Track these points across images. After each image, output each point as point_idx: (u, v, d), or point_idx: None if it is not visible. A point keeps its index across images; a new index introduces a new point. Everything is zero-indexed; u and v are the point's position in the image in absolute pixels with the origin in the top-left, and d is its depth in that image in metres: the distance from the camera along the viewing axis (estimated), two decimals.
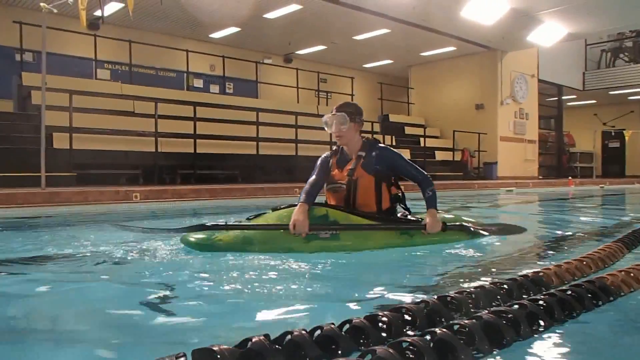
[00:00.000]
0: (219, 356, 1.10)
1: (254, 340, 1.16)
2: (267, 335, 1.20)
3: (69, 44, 11.86)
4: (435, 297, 1.57)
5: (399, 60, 17.54)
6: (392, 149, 3.09)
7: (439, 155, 15.95)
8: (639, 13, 12.89)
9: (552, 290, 1.71)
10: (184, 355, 1.06)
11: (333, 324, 1.33)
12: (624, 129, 21.46)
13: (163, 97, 10.93)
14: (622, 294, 1.80)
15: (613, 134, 22.66)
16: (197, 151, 10.09)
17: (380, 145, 3.04)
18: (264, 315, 1.67)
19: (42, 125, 6.45)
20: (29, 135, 8.80)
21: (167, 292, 1.96)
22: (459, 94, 17.03)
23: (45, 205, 5.54)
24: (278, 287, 2.02)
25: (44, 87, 6.39)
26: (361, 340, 1.32)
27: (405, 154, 14.68)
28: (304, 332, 1.25)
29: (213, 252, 2.67)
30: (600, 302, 1.69)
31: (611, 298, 1.75)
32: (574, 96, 21.43)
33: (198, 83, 14.66)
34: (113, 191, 6.39)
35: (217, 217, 4.47)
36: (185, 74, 13.88)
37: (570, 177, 16.47)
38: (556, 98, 20.19)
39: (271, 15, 12.59)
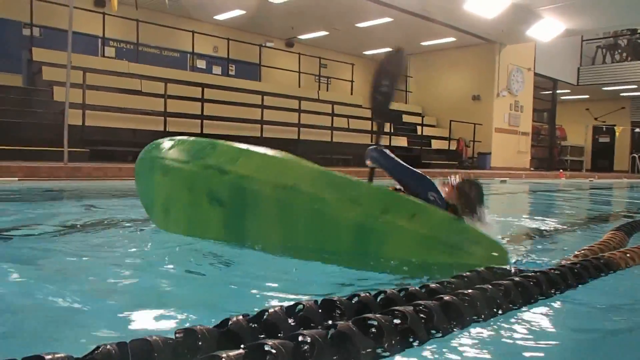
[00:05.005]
0: (200, 335, 1.09)
1: (233, 319, 1.15)
2: (245, 315, 1.18)
3: (75, 20, 11.89)
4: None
5: None
6: None
7: (435, 144, 16.29)
8: (635, 13, 13.27)
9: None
10: None
11: (369, 292, 1.42)
12: (614, 125, 21.93)
13: (168, 76, 11.10)
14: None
15: (604, 129, 23.13)
16: (204, 132, 10.31)
17: None
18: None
19: (66, 102, 6.67)
20: (39, 110, 8.99)
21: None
22: (457, 84, 17.32)
23: (68, 179, 5.78)
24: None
25: (69, 66, 6.60)
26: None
27: (402, 142, 15.05)
28: (344, 299, 1.34)
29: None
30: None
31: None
32: (568, 90, 21.83)
33: (201, 64, 14.77)
34: (131, 168, 6.61)
35: None
36: (188, 55, 14.00)
37: (561, 170, 16.93)
38: (550, 92, 20.57)
39: None
